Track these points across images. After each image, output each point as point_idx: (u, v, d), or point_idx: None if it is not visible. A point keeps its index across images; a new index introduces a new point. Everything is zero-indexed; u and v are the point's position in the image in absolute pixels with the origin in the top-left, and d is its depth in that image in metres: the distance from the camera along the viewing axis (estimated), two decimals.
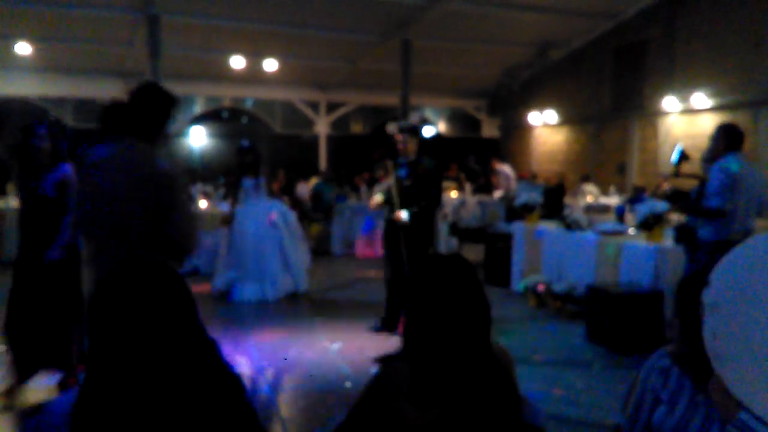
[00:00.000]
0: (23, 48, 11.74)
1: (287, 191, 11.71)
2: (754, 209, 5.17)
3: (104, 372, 1.41)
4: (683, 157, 5.67)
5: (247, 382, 1.56)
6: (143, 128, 3.01)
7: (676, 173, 5.72)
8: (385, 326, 6.01)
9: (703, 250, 5.27)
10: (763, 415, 0.97)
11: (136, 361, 1.39)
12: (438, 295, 1.62)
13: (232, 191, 7.89)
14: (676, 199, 5.73)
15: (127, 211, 2.84)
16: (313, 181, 12.99)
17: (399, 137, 5.98)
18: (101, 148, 3.02)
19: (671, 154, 6.00)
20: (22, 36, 11.62)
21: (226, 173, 8.45)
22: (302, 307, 7.39)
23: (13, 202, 10.57)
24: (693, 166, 5.92)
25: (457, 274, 1.65)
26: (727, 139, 5.16)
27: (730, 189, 4.98)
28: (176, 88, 12.30)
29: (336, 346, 5.73)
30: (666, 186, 10.70)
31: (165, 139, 3.27)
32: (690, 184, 5.82)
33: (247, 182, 7.68)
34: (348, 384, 4.82)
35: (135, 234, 2.84)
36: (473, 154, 15.40)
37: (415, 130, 6.10)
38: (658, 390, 1.81)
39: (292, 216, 8.17)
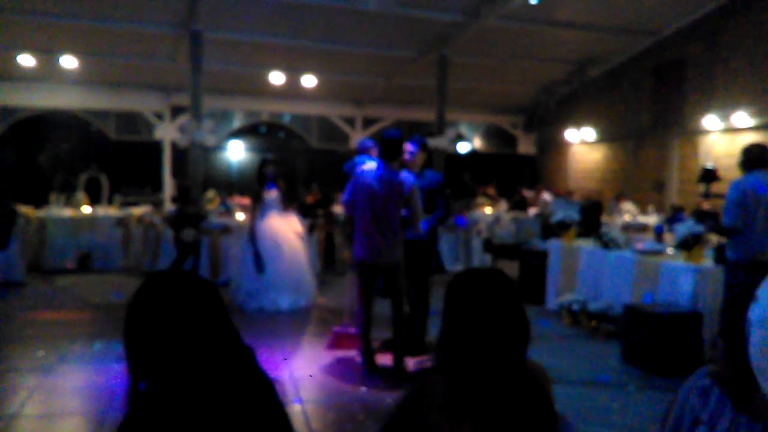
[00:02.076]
0: (69, 61, 12.06)
1: (322, 205, 11.79)
2: None
3: (147, 381, 1.44)
4: (708, 176, 5.65)
5: (281, 390, 1.58)
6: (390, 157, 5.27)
7: (705, 193, 5.68)
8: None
9: (730, 268, 5.22)
10: None
11: (173, 368, 1.42)
12: (477, 308, 1.61)
13: (253, 203, 7.95)
14: (701, 218, 5.73)
15: (389, 203, 5.18)
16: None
17: (408, 148, 5.78)
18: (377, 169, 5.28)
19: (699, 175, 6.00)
20: (68, 50, 11.94)
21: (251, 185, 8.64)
22: (324, 318, 7.43)
23: (55, 211, 10.87)
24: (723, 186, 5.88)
25: (496, 288, 1.64)
26: (745, 157, 5.24)
27: (739, 205, 5.02)
28: (216, 103, 12.54)
29: (359, 361, 5.72)
30: (706, 206, 10.52)
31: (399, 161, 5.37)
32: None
33: (269, 194, 7.77)
34: (380, 398, 4.81)
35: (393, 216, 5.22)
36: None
37: (424, 144, 5.96)
38: (697, 410, 1.77)
39: (305, 230, 8.36)
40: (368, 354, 5.44)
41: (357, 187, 5.29)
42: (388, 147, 5.29)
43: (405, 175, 5.32)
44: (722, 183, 5.85)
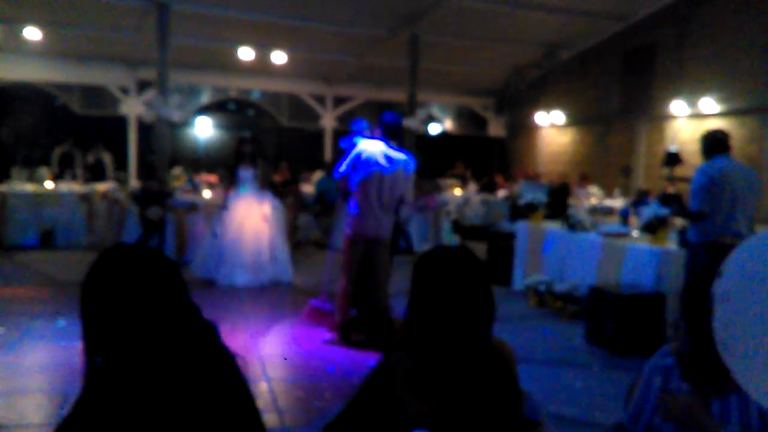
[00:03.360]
0: (32, 33, 11.72)
1: (291, 184, 11.72)
2: (744, 211, 5.15)
3: (103, 357, 1.41)
4: (672, 160, 5.73)
5: (243, 367, 1.56)
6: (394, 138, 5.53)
7: (670, 176, 5.76)
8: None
9: (691, 251, 5.32)
10: None
11: (128, 343, 1.39)
12: (444, 285, 1.61)
13: (227, 180, 7.98)
14: (666, 201, 5.81)
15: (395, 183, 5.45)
16: (318, 174, 12.97)
17: (375, 132, 5.66)
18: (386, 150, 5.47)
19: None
20: (32, 21, 11.60)
21: (224, 162, 8.65)
22: (294, 297, 7.40)
23: (17, 186, 10.62)
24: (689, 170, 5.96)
25: (464, 265, 1.64)
26: (706, 143, 5.32)
27: (705, 191, 5.08)
28: (183, 78, 12.31)
29: (331, 337, 5.72)
30: (671, 190, 10.69)
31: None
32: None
33: (244, 172, 7.78)
34: (348, 375, 4.82)
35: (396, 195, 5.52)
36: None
37: (394, 127, 5.61)
38: (660, 389, 1.80)
39: (279, 208, 8.33)
40: (345, 325, 5.63)
41: (363, 165, 5.39)
42: (393, 129, 5.50)
43: (409, 158, 5.52)
44: (686, 167, 5.92)
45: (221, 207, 7.94)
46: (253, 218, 7.89)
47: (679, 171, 5.91)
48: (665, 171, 5.91)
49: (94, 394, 1.41)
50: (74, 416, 1.41)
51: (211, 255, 7.89)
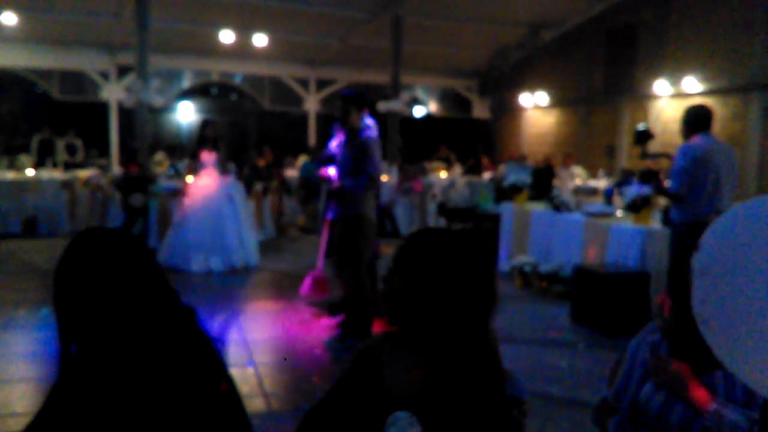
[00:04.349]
0: (9, 18, 11.51)
1: (275, 167, 11.65)
2: (727, 189, 5.15)
3: (77, 343, 1.38)
4: (641, 137, 5.67)
5: (225, 351, 1.54)
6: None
7: (643, 153, 5.72)
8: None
9: (674, 230, 5.31)
10: (747, 380, 0.96)
11: (102, 329, 1.36)
12: (461, 269, 1.59)
13: (192, 164, 7.95)
14: (647, 179, 5.75)
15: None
16: (302, 159, 12.91)
17: (339, 104, 5.28)
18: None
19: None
20: (8, 6, 11.40)
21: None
22: (277, 280, 7.39)
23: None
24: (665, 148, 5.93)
25: (475, 249, 1.63)
26: (688, 120, 5.18)
27: (687, 173, 4.99)
28: (164, 62, 12.16)
29: (319, 322, 5.72)
30: (651, 166, 10.74)
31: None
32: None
33: (207, 156, 7.73)
34: (335, 359, 4.82)
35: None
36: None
37: (357, 100, 5.22)
38: (647, 365, 1.80)
39: (243, 193, 8.37)
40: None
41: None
42: (354, 99, 5.25)
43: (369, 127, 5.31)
44: (667, 145, 5.89)
45: (185, 193, 7.90)
46: (216, 202, 7.85)
47: (654, 146, 5.88)
48: (638, 149, 5.85)
49: (68, 382, 1.39)
50: (49, 405, 1.39)
51: (177, 242, 7.83)
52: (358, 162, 5.08)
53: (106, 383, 1.36)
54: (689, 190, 5.02)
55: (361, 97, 5.26)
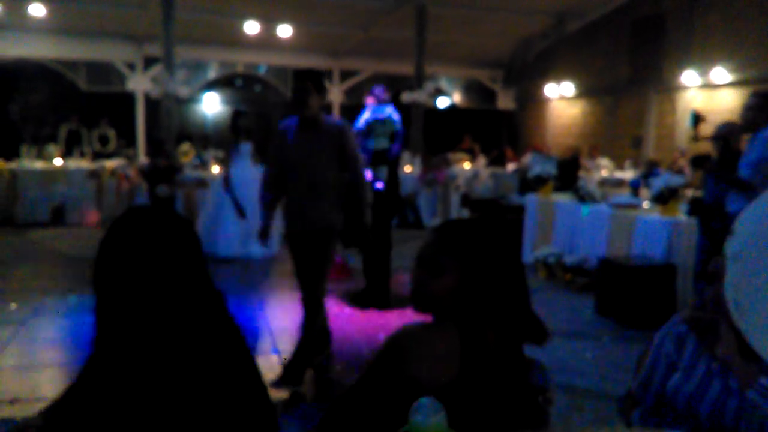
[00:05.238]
0: (37, 9, 11.66)
1: None
2: None
3: (113, 320, 1.39)
4: (698, 119, 5.53)
5: (251, 338, 1.55)
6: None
7: (695, 137, 5.58)
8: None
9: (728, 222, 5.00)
10: None
11: (141, 306, 1.37)
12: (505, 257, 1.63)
13: (230, 153, 8.00)
14: (700, 163, 5.45)
15: None
16: None
17: (295, 84, 4.19)
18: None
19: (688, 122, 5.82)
20: None
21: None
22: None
23: (27, 163, 10.65)
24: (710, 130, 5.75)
25: (509, 239, 1.66)
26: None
27: (766, 162, 4.59)
28: (190, 53, 12.22)
29: (347, 310, 5.74)
30: (682, 161, 10.59)
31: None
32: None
33: (244, 146, 7.78)
34: (359, 349, 4.83)
35: None
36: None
37: (314, 78, 4.12)
38: (673, 357, 1.78)
39: None
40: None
41: None
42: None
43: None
44: (708, 125, 5.70)
45: (225, 180, 7.89)
46: (252, 191, 7.91)
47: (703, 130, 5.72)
48: (690, 132, 5.68)
49: (100, 361, 1.40)
50: (80, 383, 1.41)
51: (211, 229, 7.90)
52: (331, 154, 4.12)
53: (136, 364, 1.37)
54: (766, 180, 4.58)
55: (318, 76, 4.17)
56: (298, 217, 4.14)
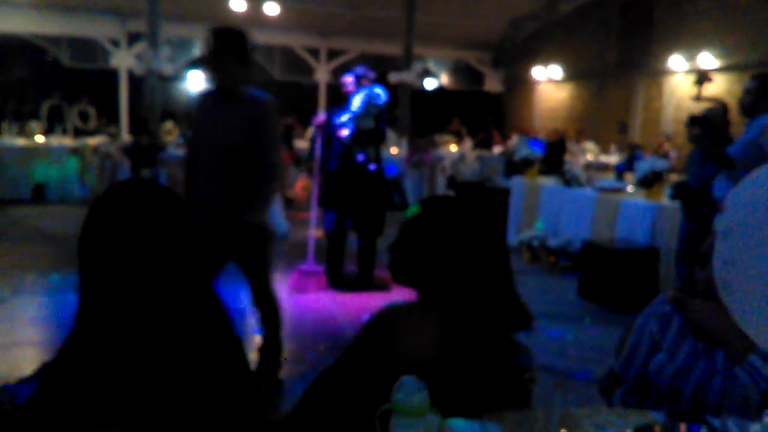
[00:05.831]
0: None
1: (284, 139, 11.60)
2: None
3: (98, 297, 1.36)
4: (704, 78, 5.45)
5: (236, 317, 1.52)
6: None
7: (698, 96, 5.52)
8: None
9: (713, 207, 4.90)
10: (765, 343, 0.94)
11: (131, 284, 1.34)
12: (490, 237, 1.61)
13: None
14: (696, 122, 5.14)
15: None
16: (311, 130, 12.83)
17: (209, 48, 3.61)
18: None
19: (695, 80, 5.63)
20: None
21: None
22: (288, 250, 7.39)
23: (7, 140, 10.50)
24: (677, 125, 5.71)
25: (491, 216, 1.64)
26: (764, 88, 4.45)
27: (755, 145, 4.36)
28: (175, 30, 12.04)
29: (331, 293, 5.73)
30: (667, 146, 10.63)
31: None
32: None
33: None
34: (342, 328, 4.83)
35: None
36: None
37: (233, 41, 3.53)
38: (656, 336, 1.78)
39: None
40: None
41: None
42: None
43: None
44: (679, 122, 5.68)
45: None
46: None
47: (667, 125, 5.72)
48: (695, 90, 5.57)
49: (81, 335, 1.37)
50: (61, 356, 1.38)
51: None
52: (246, 134, 3.41)
53: (118, 337, 1.34)
54: (751, 165, 4.39)
55: (239, 38, 3.52)
56: (212, 209, 3.35)
